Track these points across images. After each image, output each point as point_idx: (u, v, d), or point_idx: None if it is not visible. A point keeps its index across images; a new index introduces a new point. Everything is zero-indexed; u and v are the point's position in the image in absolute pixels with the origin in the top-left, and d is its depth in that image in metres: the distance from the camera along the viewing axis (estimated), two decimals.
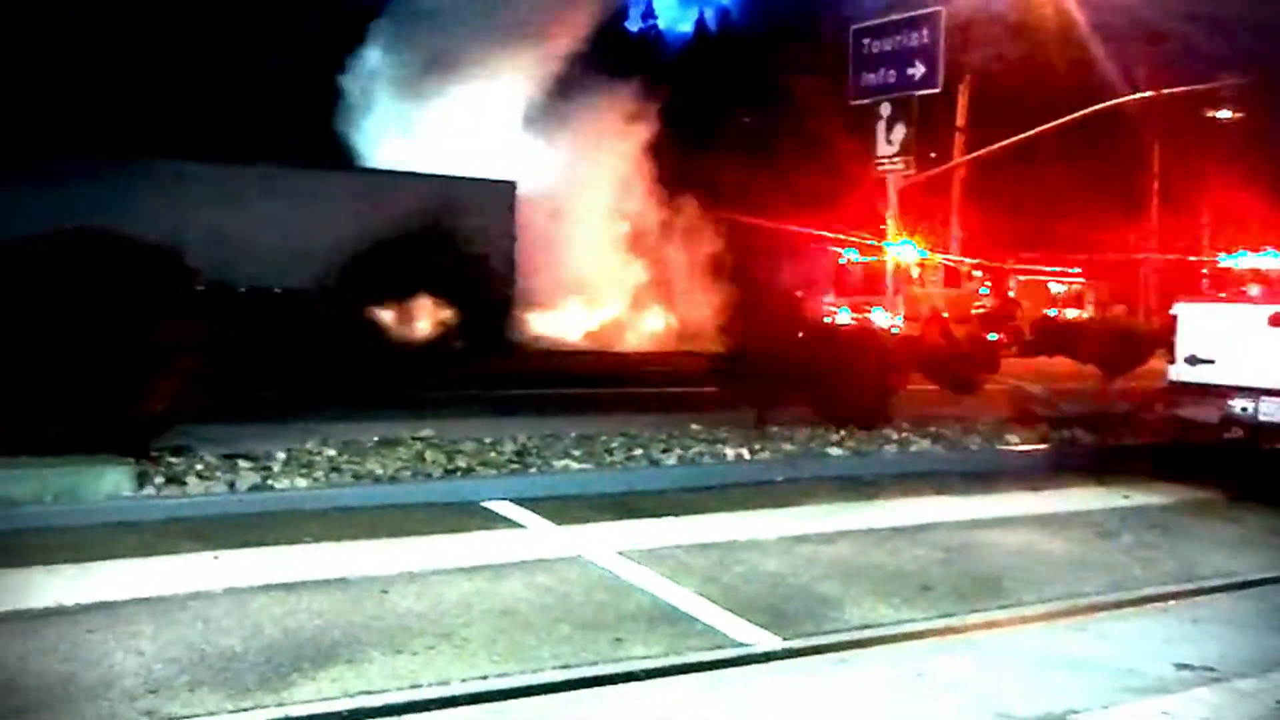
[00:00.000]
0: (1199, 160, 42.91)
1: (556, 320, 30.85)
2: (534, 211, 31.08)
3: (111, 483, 8.17)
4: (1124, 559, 7.73)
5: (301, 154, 29.99)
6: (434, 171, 29.86)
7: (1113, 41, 32.31)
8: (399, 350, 22.73)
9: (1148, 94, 33.22)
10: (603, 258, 32.03)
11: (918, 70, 15.26)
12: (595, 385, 18.14)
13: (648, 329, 32.17)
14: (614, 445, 10.82)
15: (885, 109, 15.67)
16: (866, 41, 15.88)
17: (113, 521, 7.77)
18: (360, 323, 24.62)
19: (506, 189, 31.26)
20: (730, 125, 35.85)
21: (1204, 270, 41.88)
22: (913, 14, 15.52)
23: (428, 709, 4.67)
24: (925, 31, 15.28)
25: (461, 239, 29.01)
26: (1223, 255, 39.89)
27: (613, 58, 33.98)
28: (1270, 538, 8.62)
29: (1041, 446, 12.20)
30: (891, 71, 15.57)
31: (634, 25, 60.25)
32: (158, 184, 24.74)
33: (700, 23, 62.11)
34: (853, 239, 32.66)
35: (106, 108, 30.67)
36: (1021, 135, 31.18)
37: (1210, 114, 41.32)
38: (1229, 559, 7.83)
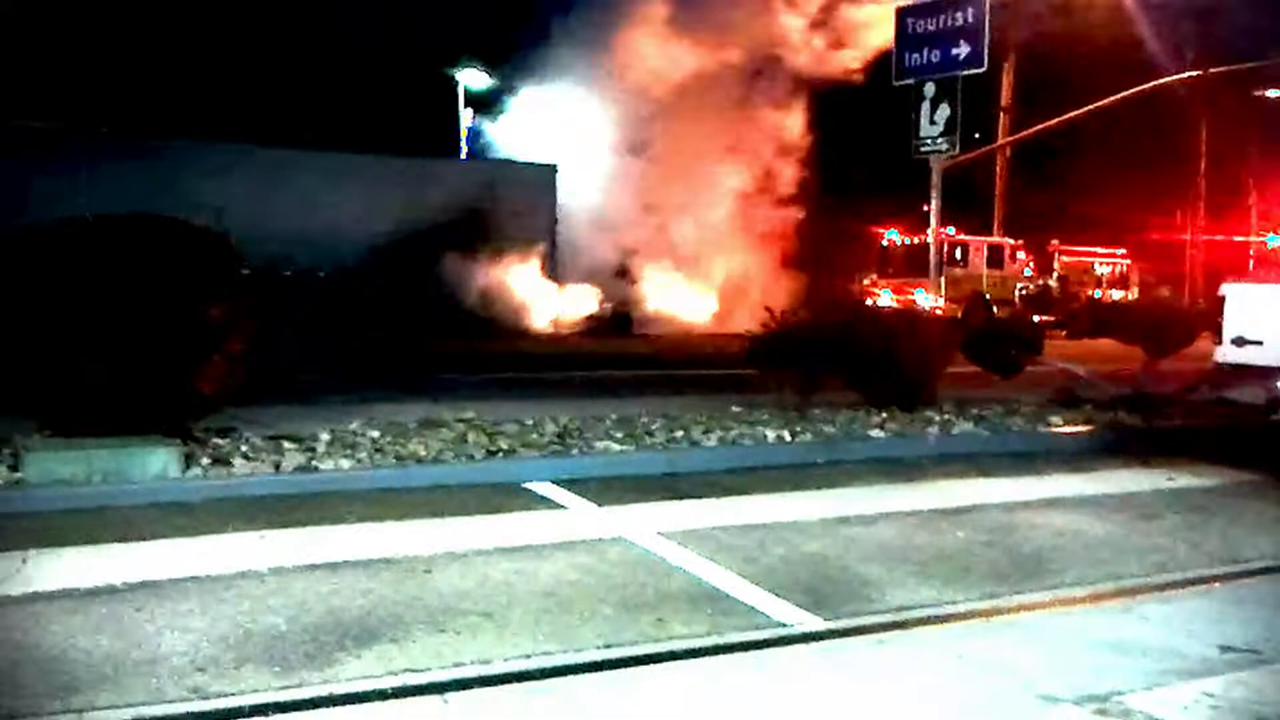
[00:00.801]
0: (1247, 140, 42.38)
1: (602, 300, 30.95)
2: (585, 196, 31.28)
3: (159, 463, 8.27)
4: (1167, 541, 7.68)
5: (354, 139, 30.29)
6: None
7: (1161, 20, 31.90)
8: (443, 331, 22.88)
9: (1194, 74, 32.88)
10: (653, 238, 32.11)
11: (962, 50, 15.16)
12: (637, 367, 18.18)
13: (698, 310, 32.17)
14: (655, 427, 10.84)
15: (929, 89, 15.58)
16: (910, 21, 15.79)
17: (160, 502, 7.87)
18: (400, 305, 24.84)
19: (548, 172, 31.41)
20: None
21: (1251, 251, 41.46)
22: None
23: (470, 687, 4.71)
24: (970, 11, 15.17)
25: (502, 220, 29.20)
26: (1271, 235, 39.47)
27: None
28: None
29: (1085, 428, 12.10)
30: (935, 51, 15.48)
31: None
32: (204, 166, 25.06)
33: None
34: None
35: (155, 91, 30.97)
36: (1066, 116, 31.02)
37: (1259, 93, 40.76)
38: (1275, 542, 7.75)
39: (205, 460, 8.59)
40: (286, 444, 9.22)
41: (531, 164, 31.72)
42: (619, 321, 30.74)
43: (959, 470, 10.05)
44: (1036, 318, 29.05)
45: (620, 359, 19.66)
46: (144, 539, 6.93)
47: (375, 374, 15.07)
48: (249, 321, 9.36)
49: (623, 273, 31.66)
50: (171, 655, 4.97)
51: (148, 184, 21.53)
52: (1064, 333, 29.26)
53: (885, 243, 34.08)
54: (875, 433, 11.24)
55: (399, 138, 34.14)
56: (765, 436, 10.72)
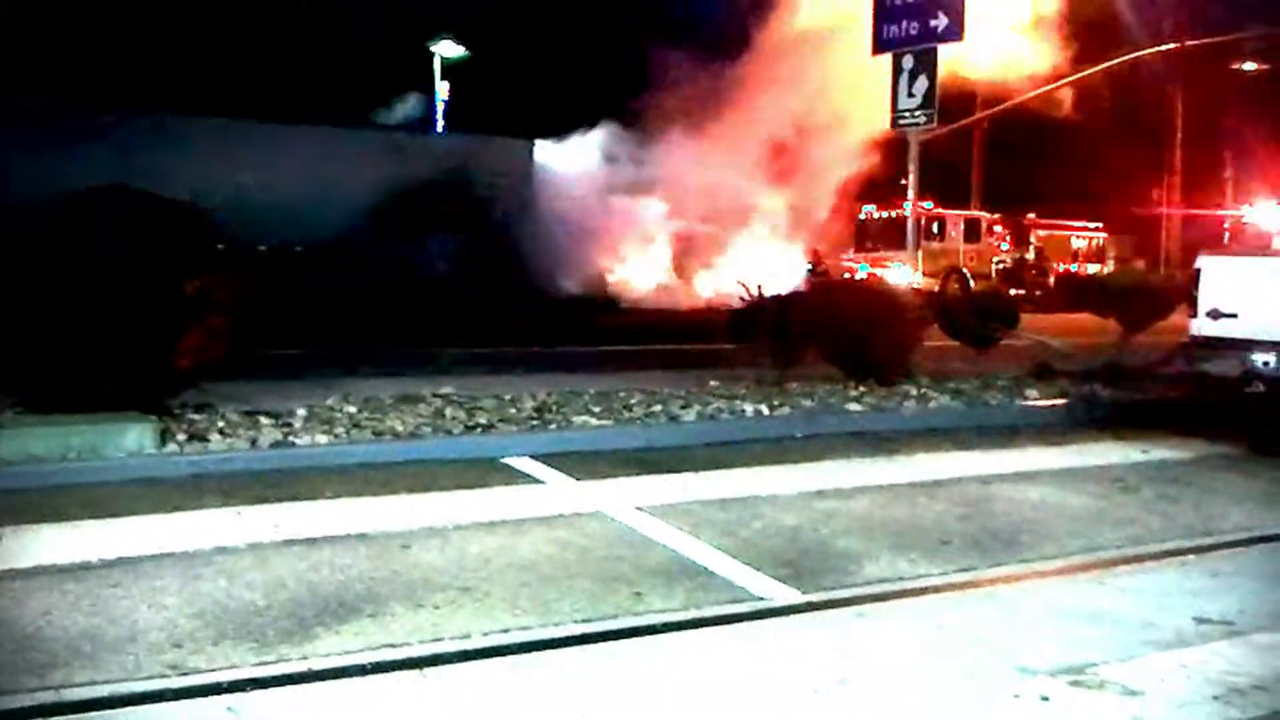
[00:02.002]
0: (1222, 113, 42.49)
1: (582, 274, 30.88)
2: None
3: (134, 439, 8.23)
4: (1143, 513, 7.73)
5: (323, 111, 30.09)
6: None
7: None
8: (419, 305, 22.78)
9: (1171, 46, 32.90)
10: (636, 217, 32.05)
11: (940, 21, 15.15)
12: (618, 341, 18.16)
13: (679, 284, 32.10)
14: (633, 402, 10.84)
15: (907, 62, 15.57)
16: None
17: (136, 478, 7.84)
18: (379, 278, 24.72)
19: (523, 148, 31.30)
20: None
21: (1226, 224, 41.61)
22: None
23: (449, 662, 4.70)
24: None
25: (478, 193, 29.07)
26: (1245, 208, 39.63)
27: None
28: None
29: (1061, 401, 12.16)
30: (914, 24, 15.46)
31: None
32: (176, 139, 24.87)
33: None
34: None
35: (130, 64, 30.70)
36: (1042, 89, 30.99)
37: (1235, 66, 40.83)
38: (1249, 514, 7.81)
39: (181, 436, 8.55)
40: (263, 419, 9.20)
41: (508, 139, 31.60)
42: (607, 297, 30.66)
43: (935, 443, 10.09)
44: (1012, 291, 29.15)
45: (602, 333, 19.63)
46: (120, 515, 6.90)
47: (353, 349, 15.00)
48: (228, 295, 9.31)
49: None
50: (149, 631, 4.95)
51: (121, 157, 21.38)
52: (1036, 306, 29.36)
53: (863, 216, 34.10)
54: (852, 406, 11.27)
55: (376, 110, 34.03)
56: (743, 411, 10.73)
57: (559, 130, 33.30)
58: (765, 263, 29.42)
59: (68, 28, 31.41)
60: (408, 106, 38.39)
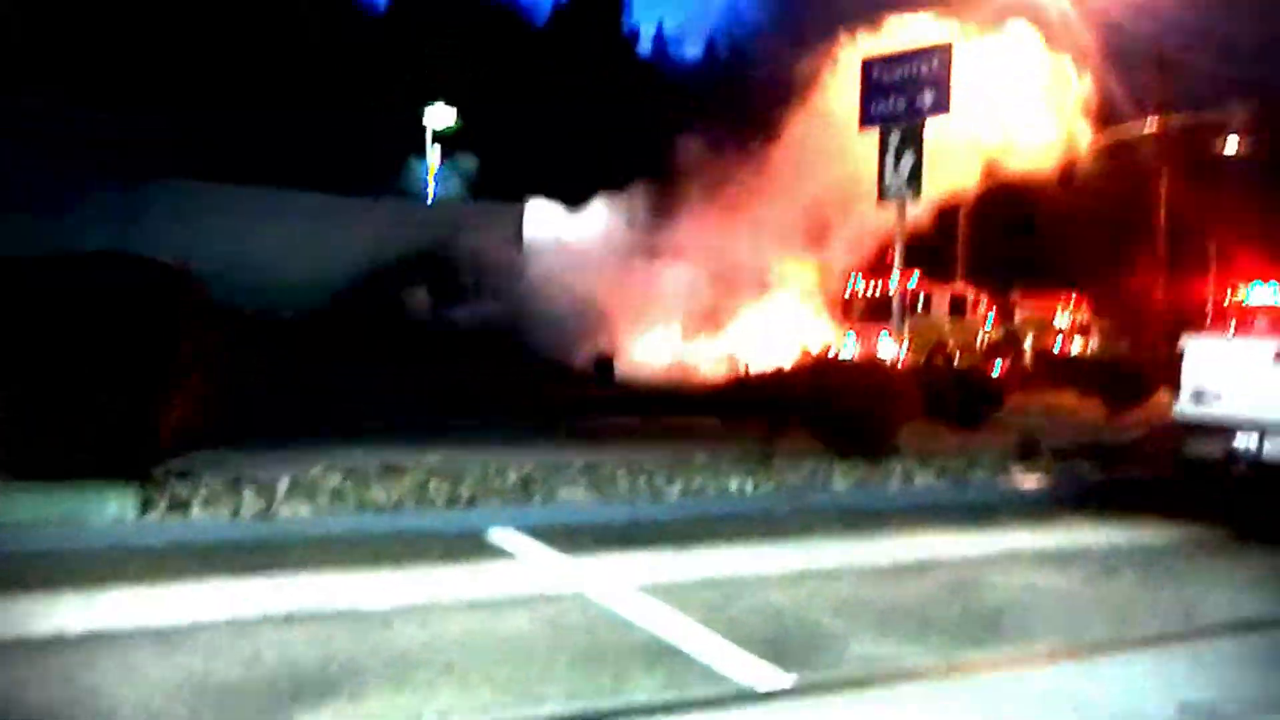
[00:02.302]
0: (1206, 191, 42.91)
1: (575, 341, 30.78)
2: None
3: (116, 507, 8.18)
4: (1126, 597, 7.71)
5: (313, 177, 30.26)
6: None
7: (1122, 71, 32.31)
8: (407, 372, 22.76)
9: (1153, 123, 33.33)
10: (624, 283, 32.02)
11: (927, 97, 15.35)
12: (609, 412, 18.14)
13: (670, 354, 31.95)
14: (619, 475, 10.81)
15: (894, 137, 15.75)
16: (877, 71, 15.99)
17: (116, 547, 7.78)
18: (366, 345, 24.70)
19: (514, 211, 31.48)
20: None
21: (1208, 303, 41.93)
22: (923, 46, 15.64)
23: None
24: (935, 62, 15.39)
25: (468, 259, 29.14)
26: (1230, 289, 39.95)
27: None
28: (1275, 577, 8.57)
29: (1045, 481, 12.17)
30: (900, 99, 15.67)
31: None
32: (169, 204, 24.98)
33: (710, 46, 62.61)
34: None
35: (128, 127, 30.88)
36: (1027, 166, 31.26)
37: (1218, 144, 41.35)
38: (1233, 599, 7.80)
39: (163, 505, 8.49)
40: (246, 489, 9.13)
41: (499, 204, 31.80)
42: (601, 367, 30.55)
43: (921, 522, 10.07)
44: (998, 365, 29.21)
45: (592, 403, 19.61)
46: (99, 585, 6.83)
47: (339, 416, 14.96)
48: (214, 362, 9.30)
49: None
50: (124, 706, 4.90)
51: (116, 225, 21.49)
52: (1023, 382, 29.39)
53: (848, 290, 34.18)
54: (838, 483, 11.26)
55: (368, 178, 34.27)
56: (728, 486, 10.71)
57: (553, 195, 33.50)
58: (766, 335, 29.55)
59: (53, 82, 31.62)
60: (418, 173, 38.67)
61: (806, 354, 24.54)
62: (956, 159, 25.85)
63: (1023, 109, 29.07)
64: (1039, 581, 8.02)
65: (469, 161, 39.22)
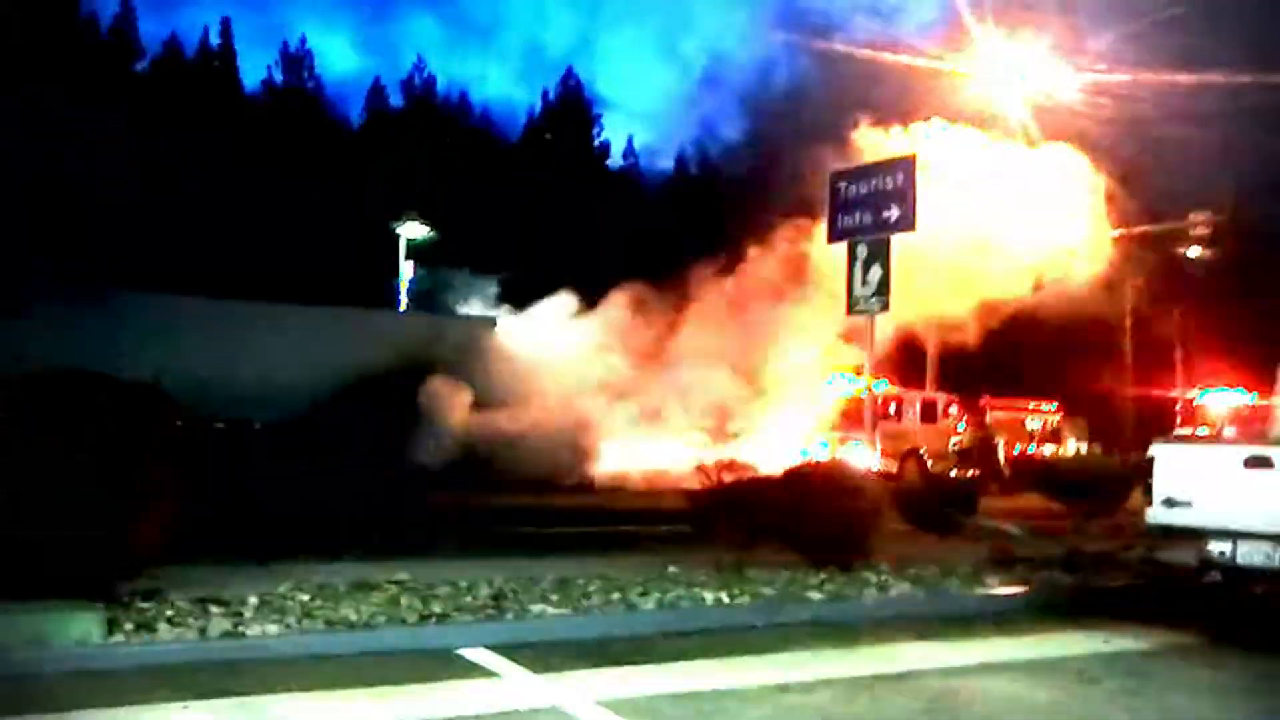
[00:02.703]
0: (1172, 297, 43.58)
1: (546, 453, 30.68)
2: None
3: (81, 629, 8.03)
4: (1107, 707, 7.66)
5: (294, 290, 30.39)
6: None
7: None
8: (375, 486, 22.60)
9: (1117, 232, 33.89)
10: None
11: (893, 212, 15.57)
12: (578, 523, 18.05)
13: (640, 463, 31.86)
14: (591, 589, 10.70)
15: (861, 250, 15.94)
16: (843, 185, 16.24)
17: (82, 669, 7.61)
18: (336, 457, 24.52)
19: (486, 325, 31.62)
20: None
21: (1178, 406, 42.32)
22: (888, 159, 15.90)
23: None
24: (900, 175, 15.65)
25: (442, 371, 29.12)
26: (1197, 392, 40.36)
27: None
28: (1253, 684, 8.56)
29: (1021, 589, 12.12)
30: (868, 214, 15.89)
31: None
32: (139, 317, 24.97)
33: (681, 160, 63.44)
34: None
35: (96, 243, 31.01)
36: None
37: (1182, 251, 42.10)
38: (1212, 707, 7.77)
39: (129, 625, 8.34)
40: (213, 608, 8.99)
41: (471, 317, 31.92)
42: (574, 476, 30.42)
43: (897, 633, 10.00)
44: (970, 473, 29.26)
45: (562, 514, 19.50)
46: (63, 710, 6.70)
47: (308, 531, 14.80)
48: (181, 477, 9.23)
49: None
50: None
51: (87, 336, 21.46)
52: (995, 488, 29.44)
53: (822, 396, 34.30)
54: (813, 594, 11.19)
55: (341, 289, 34.40)
56: (703, 598, 10.62)
57: (524, 306, 33.71)
58: (740, 442, 29.59)
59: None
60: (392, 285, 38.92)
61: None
62: (928, 276, 26.11)
63: (998, 219, 29.48)
64: (1019, 693, 7.97)
65: (447, 274, 39.39)
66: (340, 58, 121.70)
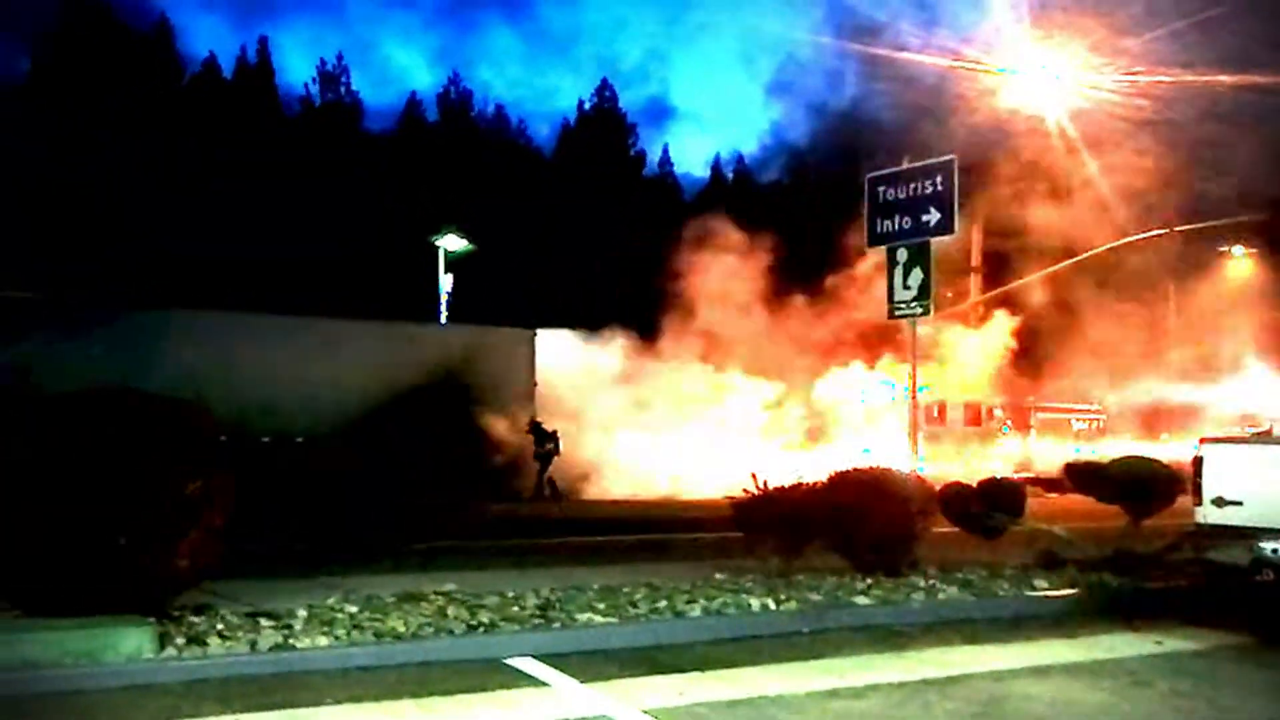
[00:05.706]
0: (1215, 296, 43.13)
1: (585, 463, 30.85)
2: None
3: (133, 644, 8.10)
4: (1160, 708, 7.58)
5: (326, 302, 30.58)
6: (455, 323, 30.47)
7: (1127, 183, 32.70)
8: (423, 496, 22.69)
9: (1161, 231, 33.60)
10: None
11: (932, 217, 15.43)
12: (623, 531, 18.05)
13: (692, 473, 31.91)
14: (638, 597, 10.70)
15: (901, 254, 15.81)
16: (881, 189, 16.09)
17: (134, 684, 7.68)
18: (382, 471, 24.61)
19: (527, 337, 31.68)
20: None
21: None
22: (927, 162, 15.75)
23: None
24: (939, 179, 15.49)
25: (482, 383, 29.25)
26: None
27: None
28: None
29: (1070, 591, 12.02)
30: (907, 218, 15.74)
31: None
32: (182, 333, 25.20)
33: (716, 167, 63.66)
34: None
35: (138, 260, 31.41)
36: (1036, 274, 31.53)
37: (1224, 250, 41.71)
38: (1265, 707, 7.67)
39: (180, 640, 8.41)
40: (263, 621, 9.06)
41: (510, 329, 31.98)
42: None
43: (946, 637, 9.94)
44: (1016, 476, 29.01)
45: (606, 524, 19.51)
46: None
47: (355, 543, 14.88)
48: (227, 493, 9.29)
49: None
50: None
51: (131, 354, 21.68)
52: (1042, 490, 29.20)
53: (862, 400, 34.22)
54: (860, 599, 11.13)
55: (382, 302, 34.62)
56: (750, 605, 10.59)
57: (566, 322, 33.86)
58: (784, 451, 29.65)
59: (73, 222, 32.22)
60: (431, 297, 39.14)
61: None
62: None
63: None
64: (1071, 696, 7.89)
65: (483, 286, 39.64)
66: (417, 73, 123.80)
